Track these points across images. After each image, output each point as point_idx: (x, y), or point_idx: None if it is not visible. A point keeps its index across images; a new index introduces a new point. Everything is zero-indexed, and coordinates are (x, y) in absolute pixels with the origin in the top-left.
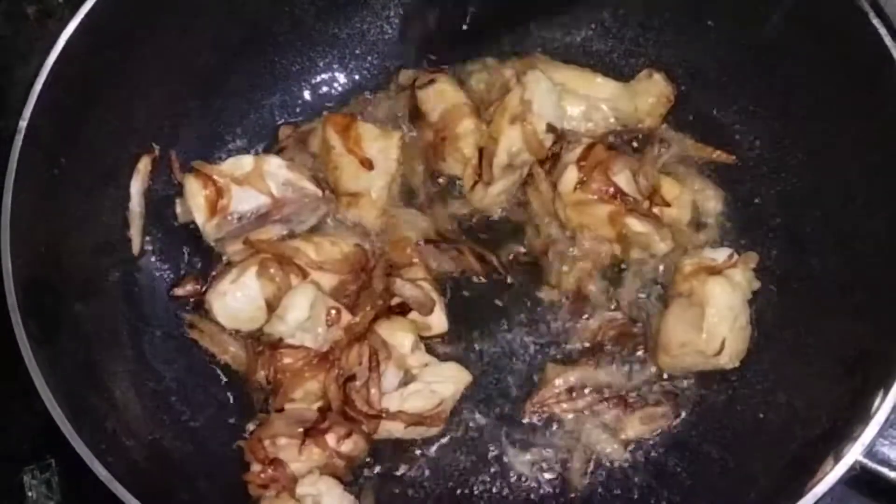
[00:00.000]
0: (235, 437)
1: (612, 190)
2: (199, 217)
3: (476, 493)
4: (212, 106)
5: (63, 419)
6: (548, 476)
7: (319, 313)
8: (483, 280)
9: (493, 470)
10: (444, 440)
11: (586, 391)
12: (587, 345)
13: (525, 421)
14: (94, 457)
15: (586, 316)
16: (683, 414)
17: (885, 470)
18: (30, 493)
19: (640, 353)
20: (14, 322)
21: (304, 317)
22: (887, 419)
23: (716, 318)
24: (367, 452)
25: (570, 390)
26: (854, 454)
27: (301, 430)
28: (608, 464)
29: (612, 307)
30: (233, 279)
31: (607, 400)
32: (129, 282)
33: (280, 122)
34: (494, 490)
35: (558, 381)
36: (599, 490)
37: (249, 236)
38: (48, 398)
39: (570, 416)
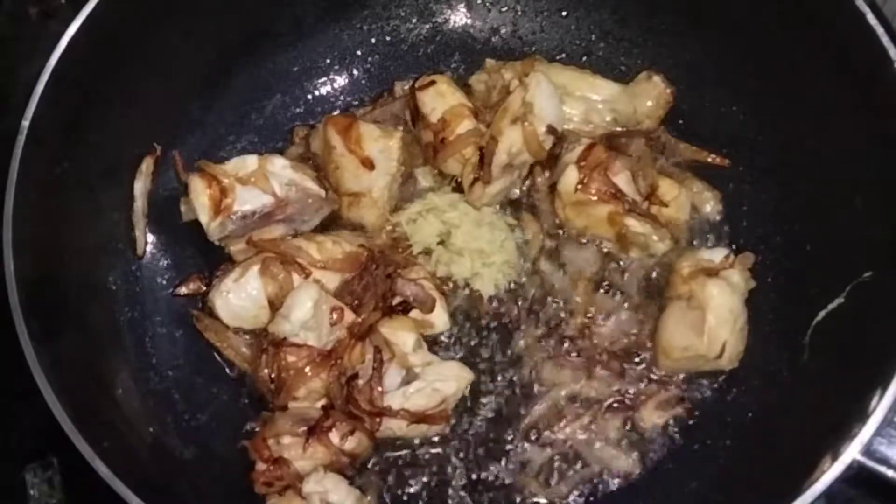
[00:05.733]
0: (239, 436)
1: (612, 190)
2: (203, 216)
3: (478, 490)
4: (213, 106)
5: (65, 417)
6: (555, 478)
7: (323, 312)
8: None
9: (494, 468)
10: (447, 438)
11: (586, 405)
12: (613, 350)
13: (523, 443)
14: (96, 455)
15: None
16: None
17: (882, 468)
18: (32, 492)
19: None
20: (16, 321)
21: (308, 316)
22: (885, 418)
23: (717, 321)
24: (370, 450)
25: (570, 405)
26: (852, 452)
27: (305, 428)
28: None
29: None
30: (235, 278)
31: (611, 409)
32: (132, 281)
33: (282, 123)
34: (496, 487)
35: (548, 401)
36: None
37: (253, 236)
38: (50, 397)
39: (573, 438)
